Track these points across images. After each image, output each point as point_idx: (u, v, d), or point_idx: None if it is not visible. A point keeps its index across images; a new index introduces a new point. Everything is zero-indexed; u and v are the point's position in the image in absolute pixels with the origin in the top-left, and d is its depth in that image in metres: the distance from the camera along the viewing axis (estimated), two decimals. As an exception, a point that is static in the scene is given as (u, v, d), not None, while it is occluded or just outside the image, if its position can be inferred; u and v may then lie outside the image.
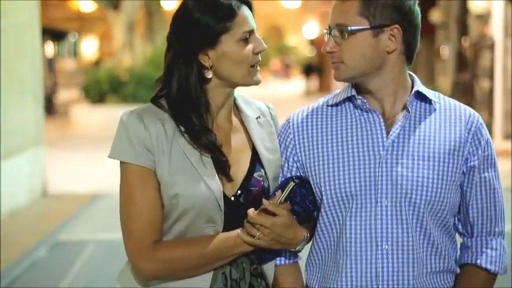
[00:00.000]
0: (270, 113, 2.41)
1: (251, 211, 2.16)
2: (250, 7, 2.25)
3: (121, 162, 2.19)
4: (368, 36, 2.15)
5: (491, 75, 15.12)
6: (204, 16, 2.19)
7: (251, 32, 2.24)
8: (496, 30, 15.02)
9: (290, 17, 46.50)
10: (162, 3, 23.21)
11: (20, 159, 9.01)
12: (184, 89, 2.22)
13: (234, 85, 2.28)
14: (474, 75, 15.89)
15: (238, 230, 2.18)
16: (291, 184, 2.18)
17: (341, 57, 2.16)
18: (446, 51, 18.32)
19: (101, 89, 19.27)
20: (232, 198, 2.23)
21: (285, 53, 48.82)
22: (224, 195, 2.21)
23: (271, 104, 2.45)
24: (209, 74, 2.23)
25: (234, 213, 2.21)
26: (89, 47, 40.60)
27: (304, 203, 2.19)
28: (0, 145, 8.36)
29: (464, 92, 16.44)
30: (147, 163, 2.17)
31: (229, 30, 2.20)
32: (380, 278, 2.17)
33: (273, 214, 2.14)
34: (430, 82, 21.00)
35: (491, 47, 15.07)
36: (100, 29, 40.68)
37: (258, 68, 2.26)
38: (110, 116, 18.69)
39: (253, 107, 2.39)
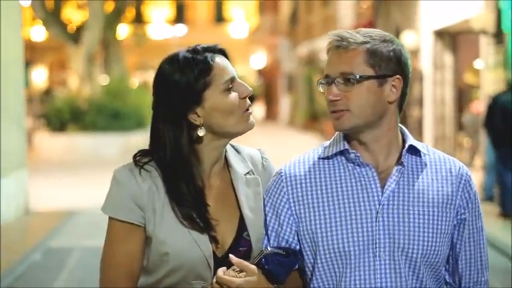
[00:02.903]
0: (263, 163, 2.37)
1: (220, 271, 2.14)
2: (225, 54, 2.24)
3: (109, 217, 2.20)
4: (373, 85, 2.14)
5: (421, 104, 16.78)
6: (182, 76, 2.17)
7: (232, 79, 2.20)
8: (425, 64, 16.69)
9: (237, 47, 47.80)
10: (117, 34, 24.48)
11: (7, 180, 10.22)
12: (177, 153, 2.19)
13: (229, 135, 2.24)
14: (406, 104, 17.54)
15: None
16: (263, 251, 2.17)
17: (347, 105, 2.15)
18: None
19: (62, 117, 20.42)
20: (221, 257, 2.21)
21: (233, 82, 50.05)
22: (214, 254, 2.19)
23: (265, 153, 2.41)
24: (202, 132, 2.19)
25: None
26: (39, 76, 41.28)
27: (275, 270, 2.17)
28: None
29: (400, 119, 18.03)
30: (136, 219, 2.18)
31: (210, 85, 2.17)
32: None
33: (247, 272, 2.14)
34: (369, 110, 22.54)
35: (421, 79, 16.74)
36: (50, 58, 41.51)
37: (250, 111, 2.24)
38: (71, 143, 19.97)
39: (244, 158, 2.34)
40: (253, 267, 2.14)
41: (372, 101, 2.15)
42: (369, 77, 2.15)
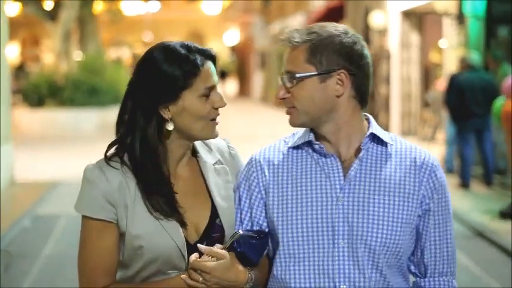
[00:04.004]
0: (230, 152, 2.42)
1: (193, 256, 2.18)
2: (214, 62, 2.28)
3: (83, 215, 2.25)
4: (315, 82, 2.17)
5: (388, 82, 17.45)
6: (168, 69, 2.19)
7: (212, 87, 2.24)
8: (392, 43, 17.34)
9: (211, 23, 48.11)
10: (93, 10, 24.82)
11: (-5, 153, 10.74)
12: (143, 141, 2.22)
13: (193, 138, 2.28)
14: (374, 82, 18.22)
15: (183, 275, 2.20)
16: (235, 234, 2.21)
17: (292, 103, 2.20)
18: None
19: (40, 93, 20.82)
20: (194, 244, 2.25)
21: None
22: (187, 242, 2.24)
23: (231, 142, 2.45)
24: (170, 126, 2.23)
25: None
26: (11, 51, 41.31)
27: (249, 251, 2.21)
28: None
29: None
30: (108, 216, 2.22)
31: (191, 86, 2.21)
32: None
33: (217, 258, 2.17)
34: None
35: (388, 58, 17.39)
36: (22, 34, 41.58)
37: (217, 121, 2.27)
38: (50, 118, 20.40)
39: (212, 148, 2.39)
40: (223, 252, 2.19)
41: (315, 97, 2.18)
42: (308, 76, 2.18)
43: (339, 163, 2.22)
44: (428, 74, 17.00)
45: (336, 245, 2.18)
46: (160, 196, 2.22)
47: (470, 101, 10.56)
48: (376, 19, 17.66)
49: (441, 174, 2.26)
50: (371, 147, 2.24)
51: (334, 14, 21.37)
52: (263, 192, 2.27)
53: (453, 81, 10.86)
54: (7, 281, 6.88)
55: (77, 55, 24.67)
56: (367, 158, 2.23)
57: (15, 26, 40.38)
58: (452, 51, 13.26)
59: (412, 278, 2.30)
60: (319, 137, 2.24)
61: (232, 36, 44.17)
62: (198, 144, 2.35)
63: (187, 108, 2.22)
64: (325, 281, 2.18)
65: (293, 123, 2.24)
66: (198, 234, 2.27)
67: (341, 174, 2.21)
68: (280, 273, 2.23)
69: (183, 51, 2.22)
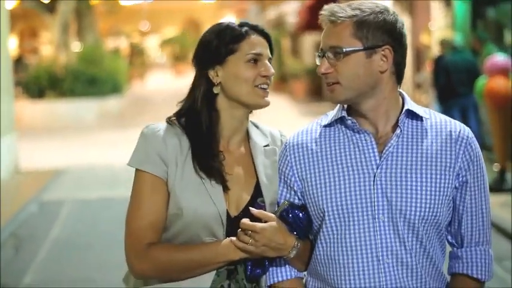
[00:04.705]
0: (281, 140, 2.48)
1: (244, 219, 2.24)
2: (267, 38, 2.40)
3: (136, 169, 2.33)
4: (361, 57, 2.19)
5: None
6: (216, 38, 2.36)
7: (259, 55, 2.35)
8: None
9: (207, 11, 48.33)
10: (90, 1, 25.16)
11: (1, 142, 11.14)
12: (198, 105, 2.37)
13: (241, 104, 2.37)
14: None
15: (232, 237, 2.26)
16: (285, 203, 2.28)
17: (336, 78, 2.21)
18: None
19: (40, 85, 21.18)
20: (234, 217, 2.32)
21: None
22: (228, 213, 2.31)
23: (284, 132, 2.53)
24: (217, 90, 2.36)
25: (235, 233, 2.27)
26: (9, 44, 41.46)
27: (296, 223, 2.26)
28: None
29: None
30: (159, 173, 2.30)
31: (236, 52, 2.34)
32: None
33: (267, 221, 2.24)
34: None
35: (380, 41, 17.70)
36: (20, 26, 41.84)
37: (266, 89, 2.37)
38: (51, 109, 20.78)
39: (265, 133, 2.48)
40: (273, 215, 2.26)
41: (361, 72, 2.19)
42: (355, 50, 2.19)
43: (372, 139, 2.24)
44: (419, 56, 17.35)
45: (376, 220, 2.22)
46: (207, 156, 2.32)
47: (455, 81, 10.94)
48: (367, 3, 17.95)
49: (476, 146, 2.28)
50: (407, 123, 2.26)
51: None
52: (297, 175, 2.32)
53: (439, 62, 11.24)
54: (18, 262, 7.30)
55: (76, 46, 25.03)
56: (403, 134, 2.25)
57: (13, 19, 40.29)
58: (439, 33, 13.62)
59: (448, 248, 2.35)
60: (354, 113, 2.27)
61: (229, 23, 44.33)
62: (252, 128, 2.47)
63: (234, 71, 2.34)
64: (368, 256, 2.22)
65: (336, 99, 2.26)
66: (238, 210, 2.34)
67: (376, 150, 2.24)
68: (325, 251, 2.27)
69: (231, 25, 2.41)
